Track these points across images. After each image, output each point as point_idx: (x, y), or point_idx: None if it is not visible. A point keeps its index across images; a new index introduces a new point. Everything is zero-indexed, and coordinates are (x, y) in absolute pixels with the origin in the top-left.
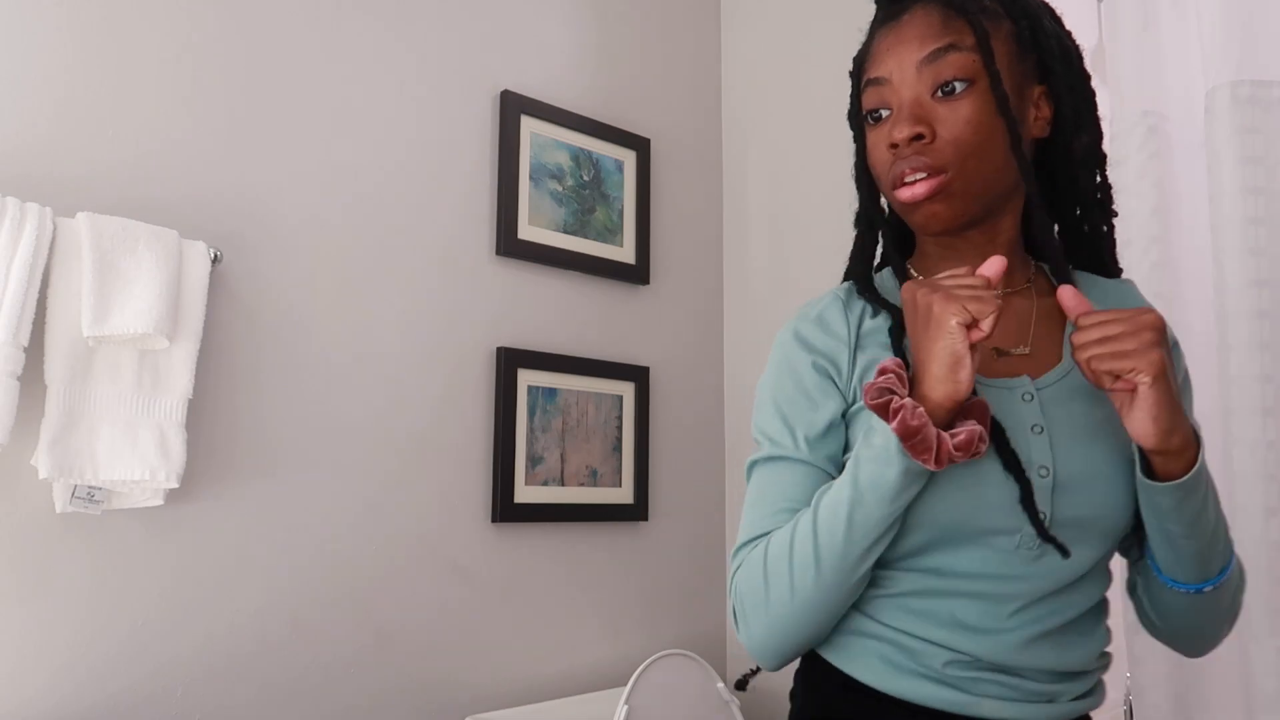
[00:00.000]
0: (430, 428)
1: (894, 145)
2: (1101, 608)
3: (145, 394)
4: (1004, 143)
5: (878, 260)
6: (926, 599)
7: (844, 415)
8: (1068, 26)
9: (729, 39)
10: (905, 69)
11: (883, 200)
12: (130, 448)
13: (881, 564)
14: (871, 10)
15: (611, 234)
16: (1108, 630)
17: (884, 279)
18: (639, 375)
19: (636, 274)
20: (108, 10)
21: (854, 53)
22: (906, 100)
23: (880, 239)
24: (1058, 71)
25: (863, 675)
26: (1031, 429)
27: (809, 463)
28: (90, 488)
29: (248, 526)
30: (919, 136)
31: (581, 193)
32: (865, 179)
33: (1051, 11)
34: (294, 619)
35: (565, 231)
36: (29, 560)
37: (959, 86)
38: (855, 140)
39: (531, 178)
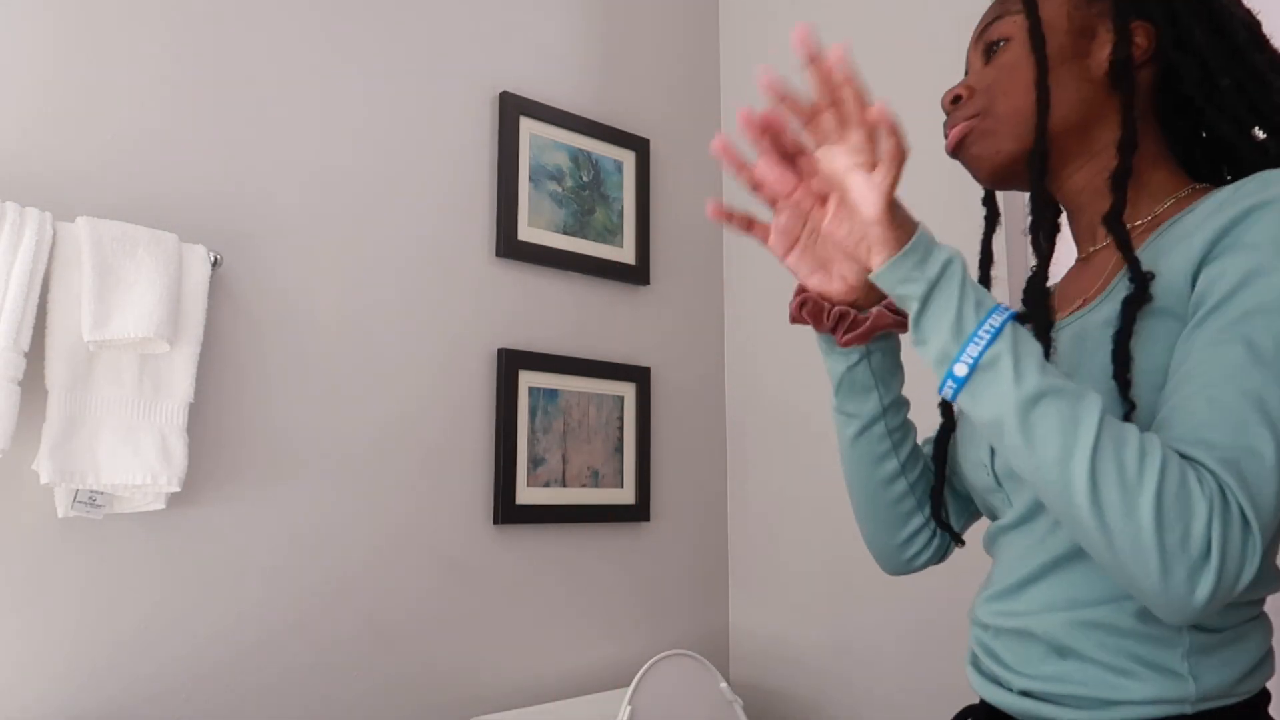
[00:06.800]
0: (431, 429)
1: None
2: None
3: (146, 398)
4: (1065, 78)
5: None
6: None
7: None
8: None
9: (728, 39)
10: (970, 51)
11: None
12: (132, 452)
13: None
14: (867, 9)
15: (611, 235)
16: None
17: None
18: (640, 376)
19: (636, 274)
20: (106, 13)
21: (852, 52)
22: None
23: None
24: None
25: None
26: None
27: None
28: (92, 492)
29: (249, 529)
30: (958, 99)
31: (581, 193)
32: None
33: None
34: (295, 622)
35: (565, 232)
36: (30, 565)
37: (1001, 45)
38: None
39: (531, 179)
